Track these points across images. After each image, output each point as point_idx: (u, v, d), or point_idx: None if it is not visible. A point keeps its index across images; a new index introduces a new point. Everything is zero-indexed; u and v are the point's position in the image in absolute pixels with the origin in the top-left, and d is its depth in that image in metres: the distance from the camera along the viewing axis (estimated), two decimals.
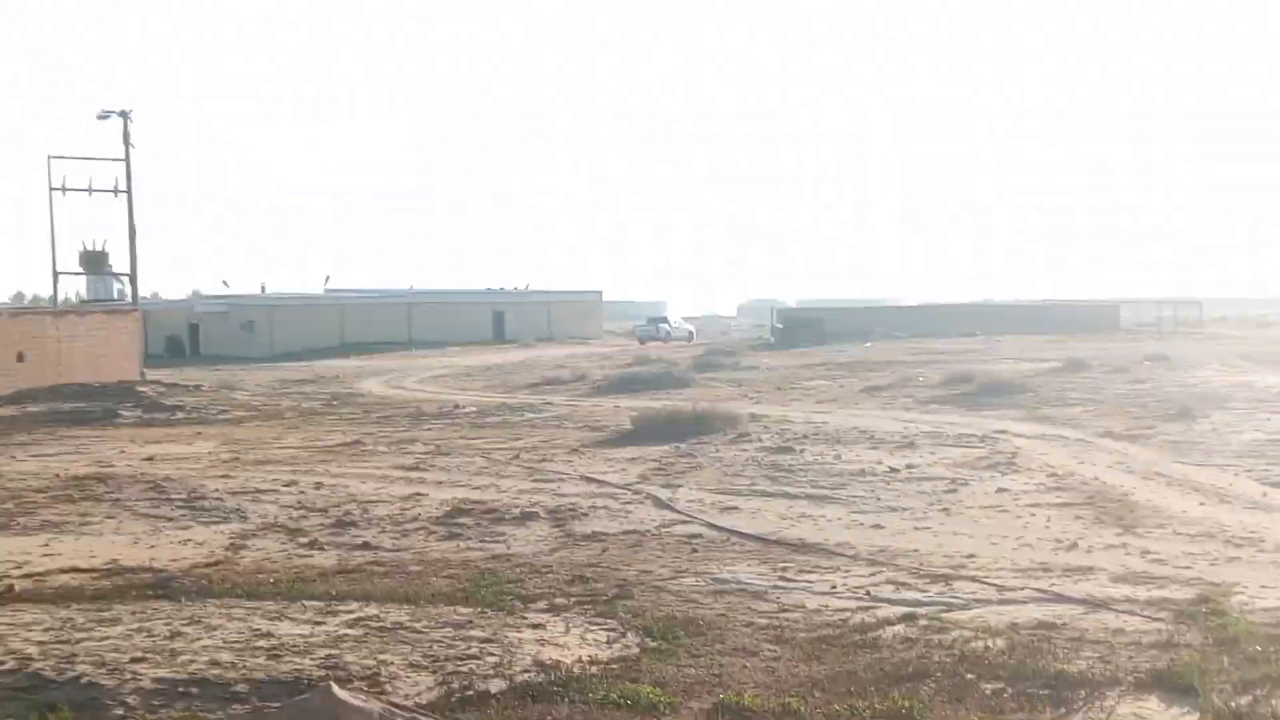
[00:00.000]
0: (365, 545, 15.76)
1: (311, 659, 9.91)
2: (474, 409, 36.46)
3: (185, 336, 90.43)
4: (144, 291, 66.41)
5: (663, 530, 16.40)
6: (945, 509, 17.60)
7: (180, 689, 9.18)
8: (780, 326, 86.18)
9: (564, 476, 21.60)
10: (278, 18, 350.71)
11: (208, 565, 14.54)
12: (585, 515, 17.60)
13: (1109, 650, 10.17)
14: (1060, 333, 79.58)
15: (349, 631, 10.87)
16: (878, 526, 16.37)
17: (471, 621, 11.29)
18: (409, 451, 25.98)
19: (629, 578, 13.40)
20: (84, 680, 9.35)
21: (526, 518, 17.45)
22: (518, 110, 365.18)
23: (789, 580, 13.24)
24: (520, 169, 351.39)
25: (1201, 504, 17.51)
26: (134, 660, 9.84)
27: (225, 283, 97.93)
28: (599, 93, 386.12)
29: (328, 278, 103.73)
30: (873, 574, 13.44)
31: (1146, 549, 14.51)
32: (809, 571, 13.65)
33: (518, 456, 24.57)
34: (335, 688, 8.45)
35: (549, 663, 9.96)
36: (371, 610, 11.73)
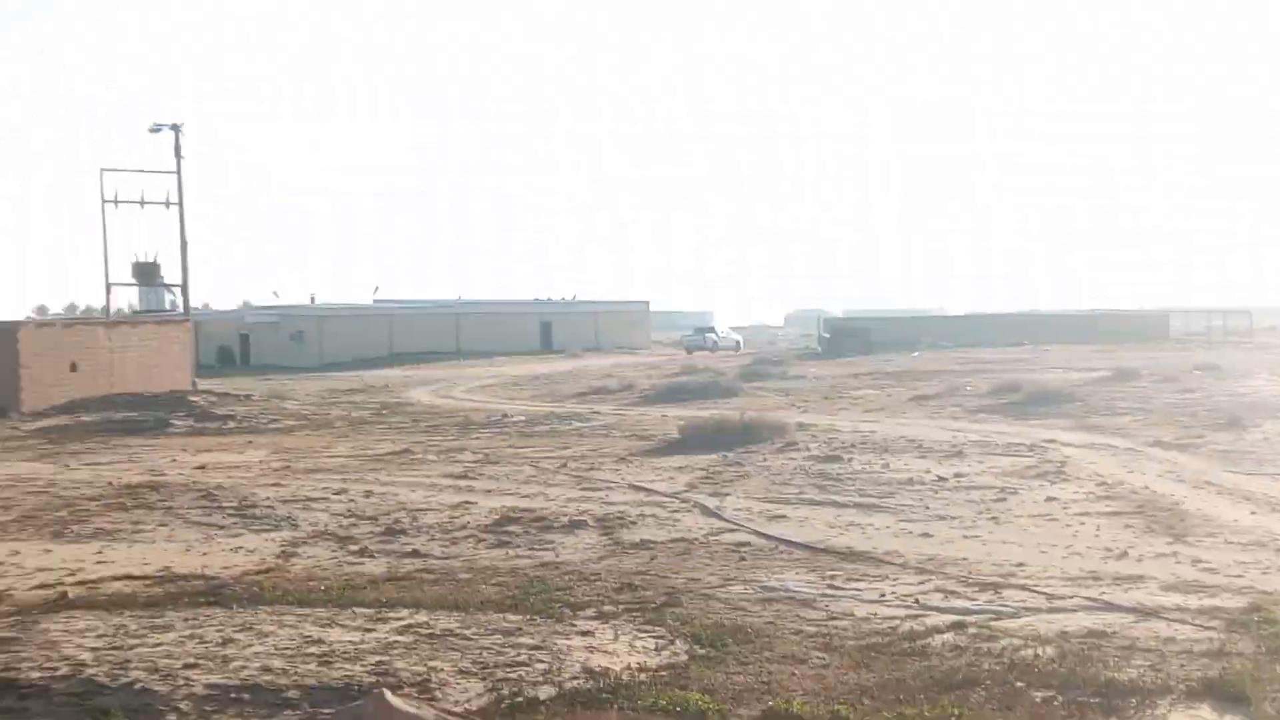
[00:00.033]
0: (415, 553, 15.83)
1: (362, 665, 9.97)
2: (522, 418, 36.54)
3: (236, 347, 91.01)
4: (195, 302, 66.93)
5: (711, 538, 16.40)
6: (994, 518, 17.54)
7: (232, 695, 9.25)
8: (827, 336, 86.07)
9: (612, 485, 21.63)
10: (277, 17, 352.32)
11: (259, 572, 14.64)
12: (633, 523, 17.63)
13: (1160, 659, 10.13)
14: (1108, 342, 79.00)
15: (399, 638, 10.93)
16: (926, 535, 16.33)
17: (521, 629, 11.33)
18: (458, 460, 26.06)
19: (677, 585, 13.41)
20: (137, 686, 9.43)
21: (575, 526, 17.49)
22: (518, 110, 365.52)
23: (837, 588, 13.23)
24: (520, 169, 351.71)
25: (1253, 513, 17.38)
26: (186, 666, 9.92)
27: (276, 293, 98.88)
28: (599, 93, 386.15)
29: (376, 288, 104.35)
30: (921, 582, 13.41)
31: (1197, 558, 14.42)
32: (857, 580, 13.63)
33: (566, 465, 24.62)
34: (388, 694, 8.50)
35: (598, 670, 9.99)
36: (421, 617, 11.79)
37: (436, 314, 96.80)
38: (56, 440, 33.02)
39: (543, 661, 10.18)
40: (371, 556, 15.66)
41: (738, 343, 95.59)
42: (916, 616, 11.83)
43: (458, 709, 8.87)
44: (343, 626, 11.40)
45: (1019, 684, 9.42)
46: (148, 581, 14.18)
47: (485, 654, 10.38)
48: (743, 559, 15.00)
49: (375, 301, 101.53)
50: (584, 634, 11.18)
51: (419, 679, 9.59)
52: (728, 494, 20.15)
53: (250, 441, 31.86)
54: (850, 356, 70.00)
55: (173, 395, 43.99)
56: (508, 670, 9.92)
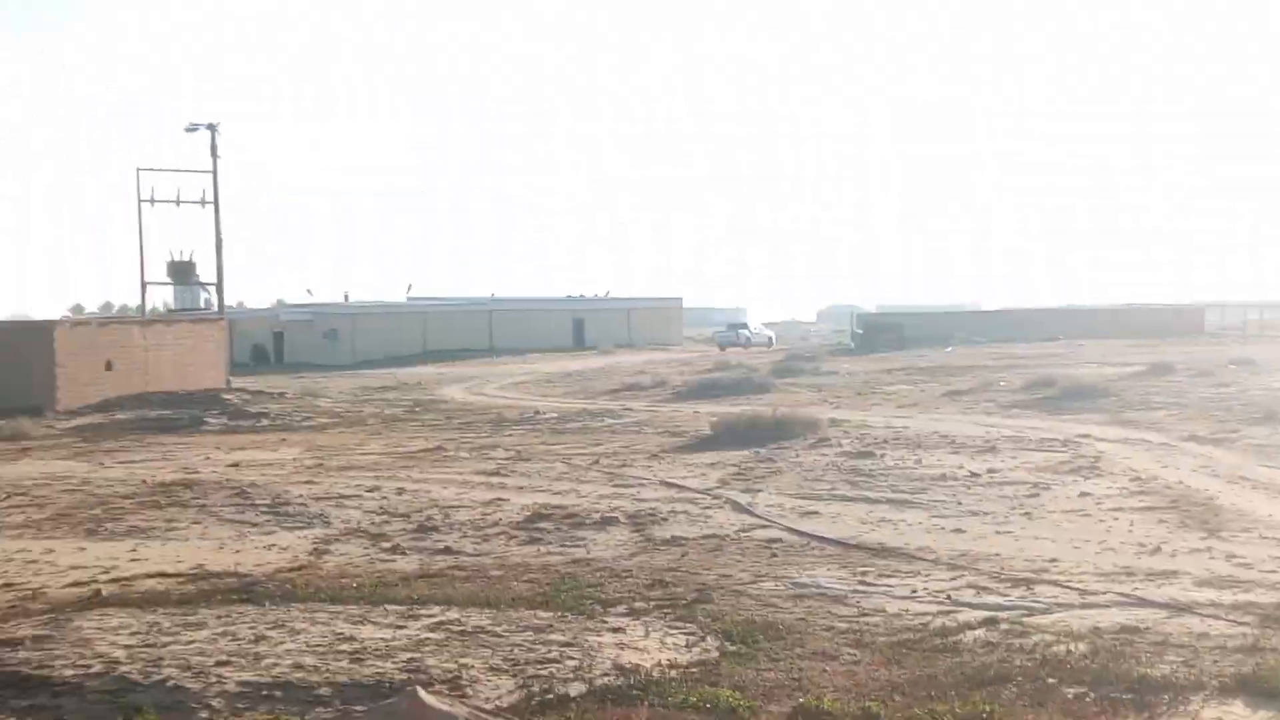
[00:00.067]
0: (447, 550, 15.86)
1: (394, 662, 9.99)
2: (554, 415, 36.58)
3: (270, 345, 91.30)
4: (230, 300, 67.27)
5: (742, 535, 16.39)
6: (1027, 513, 17.47)
7: (264, 692, 9.28)
8: (860, 332, 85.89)
9: (644, 481, 21.63)
10: (278, 17, 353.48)
11: (291, 570, 14.69)
12: (665, 520, 17.62)
13: (1193, 654, 10.07)
14: (1143, 337, 78.64)
15: (430, 635, 10.95)
16: (959, 531, 16.28)
17: (552, 625, 11.34)
18: (490, 457, 26.10)
19: (708, 582, 13.40)
20: (170, 683, 9.47)
21: (606, 522, 17.50)
22: (518, 110, 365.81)
23: (869, 584, 13.20)
24: (520, 169, 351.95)
25: None
26: (219, 664, 9.95)
27: (310, 291, 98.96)
28: (599, 93, 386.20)
29: (410, 286, 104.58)
30: (953, 578, 13.37)
31: (1231, 553, 14.34)
32: (889, 576, 13.60)
33: (598, 462, 24.63)
34: (421, 692, 8.52)
35: (628, 666, 9.98)
36: (453, 614, 11.81)
37: (469, 311, 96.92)
38: (91, 438, 33.20)
39: (574, 658, 10.18)
40: (403, 554, 15.70)
41: (770, 339, 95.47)
42: (948, 612, 11.79)
43: (489, 706, 8.87)
44: (374, 624, 11.42)
45: (1051, 680, 9.38)
46: (181, 579, 14.24)
47: (516, 651, 10.39)
48: (774, 555, 14.98)
49: (409, 299, 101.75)
50: (615, 631, 11.18)
51: (450, 676, 9.61)
52: (759, 490, 20.13)
53: (283, 439, 31.97)
54: (883, 352, 69.81)
55: (207, 393, 44.19)
56: (538, 667, 9.93)
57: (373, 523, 18.06)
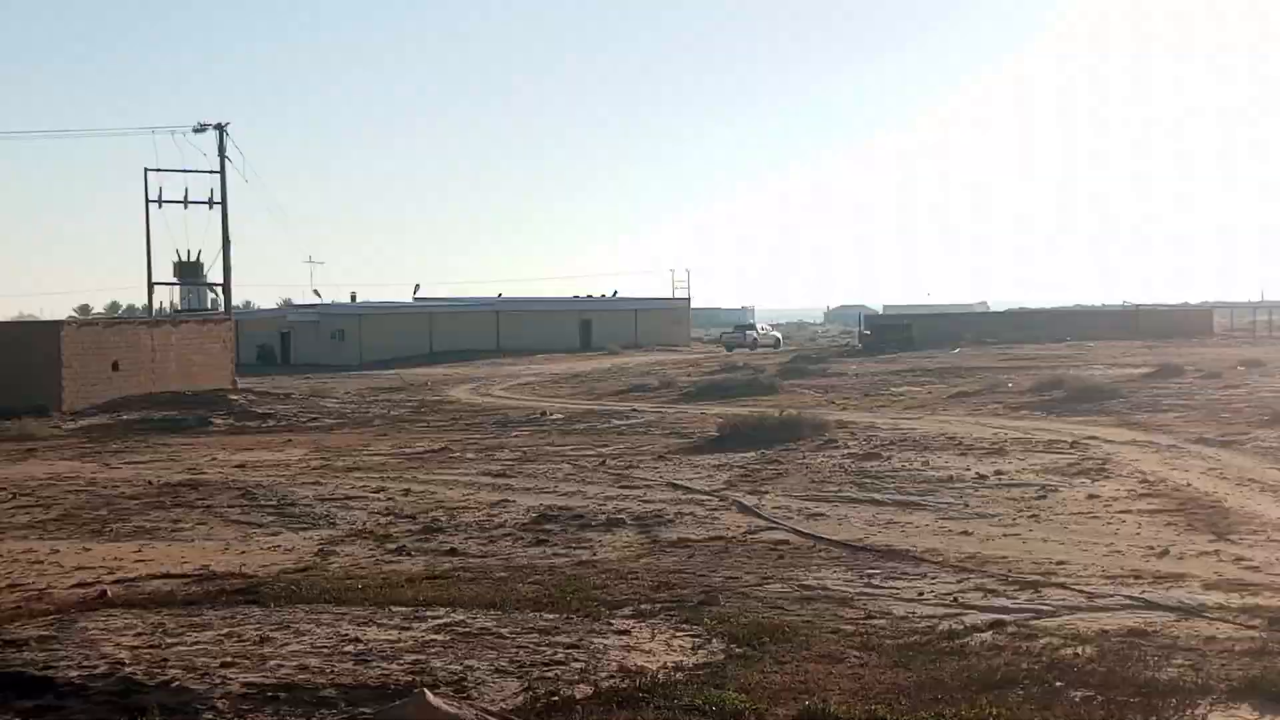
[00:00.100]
0: (452, 551, 15.85)
1: (399, 664, 9.97)
2: (561, 416, 36.56)
3: (277, 345, 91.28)
4: (236, 300, 67.30)
5: (749, 537, 16.36)
6: (1034, 515, 17.43)
7: (269, 693, 9.26)
8: (868, 332, 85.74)
9: (650, 483, 21.61)
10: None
11: (297, 571, 14.69)
12: (671, 522, 17.60)
13: (1201, 658, 10.03)
14: (1152, 338, 78.52)
15: (436, 637, 10.93)
16: (966, 533, 16.24)
17: (557, 627, 11.31)
18: (496, 458, 26.09)
19: (715, 584, 13.37)
20: (174, 684, 9.45)
21: (612, 524, 17.48)
22: (518, 111, 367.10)
23: (876, 587, 13.16)
24: (522, 169, 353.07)
25: None
26: (224, 665, 9.94)
27: (317, 292, 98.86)
28: (605, 87, 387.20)
29: (417, 287, 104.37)
30: (960, 581, 13.34)
31: (1240, 556, 14.29)
32: (896, 578, 13.56)
33: (604, 463, 24.61)
34: (429, 694, 8.50)
35: (634, 669, 9.95)
36: (458, 616, 11.79)
37: (476, 312, 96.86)
38: (97, 439, 33.23)
39: (579, 660, 10.15)
40: (409, 555, 15.69)
41: (777, 340, 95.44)
42: (955, 615, 11.76)
43: (494, 708, 8.85)
44: (380, 625, 11.41)
45: (1058, 684, 9.34)
46: (186, 580, 14.25)
47: (522, 653, 10.36)
48: (781, 557, 14.94)
49: (415, 300, 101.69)
50: (621, 633, 11.16)
51: (455, 678, 9.58)
52: (766, 492, 20.11)
53: (290, 440, 31.98)
54: (891, 353, 69.66)
55: (213, 394, 44.22)
56: (544, 669, 9.90)
57: (378, 524, 18.06)
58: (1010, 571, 13.72)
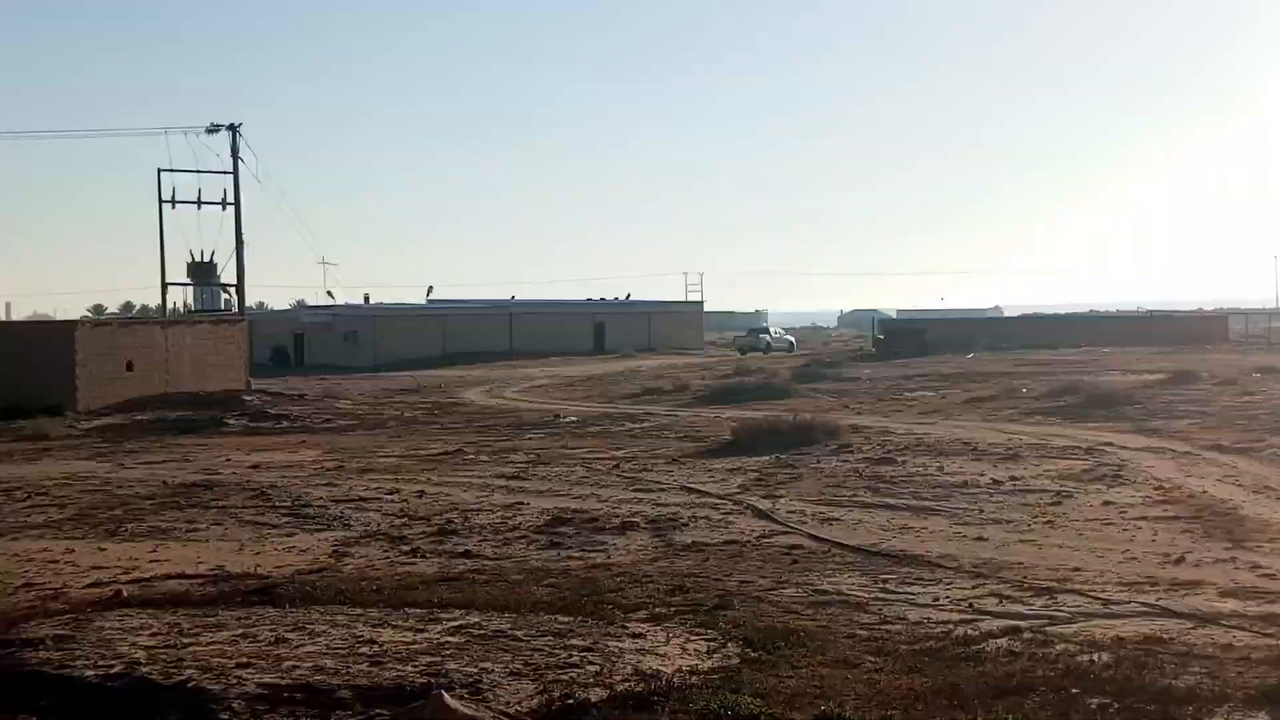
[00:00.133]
0: (467, 553, 15.84)
1: (414, 666, 9.97)
2: (574, 419, 36.58)
3: (290, 346, 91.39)
4: (250, 301, 67.43)
5: (763, 541, 16.34)
6: (1049, 521, 17.38)
7: (284, 694, 9.26)
8: (882, 337, 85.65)
9: (664, 486, 21.59)
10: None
11: (312, 572, 14.70)
12: (685, 525, 17.59)
13: (1217, 666, 9.99)
14: (1167, 344, 78.33)
15: (450, 639, 10.93)
16: (981, 539, 16.20)
17: (572, 630, 11.30)
18: (510, 461, 26.09)
19: (729, 588, 13.36)
20: (190, 685, 9.46)
21: (627, 527, 17.47)
22: (533, 113, 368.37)
23: (891, 592, 13.14)
24: (537, 171, 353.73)
25: None
26: (239, 665, 9.94)
27: (330, 293, 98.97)
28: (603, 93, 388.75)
29: (430, 289, 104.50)
30: (976, 586, 13.30)
31: (1256, 563, 14.24)
32: (911, 583, 13.54)
33: (618, 466, 24.60)
34: (446, 697, 8.50)
35: (649, 672, 9.94)
36: (473, 618, 11.78)
37: (490, 314, 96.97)
38: (112, 439, 33.29)
39: (594, 663, 10.14)
40: (424, 557, 15.69)
41: (791, 344, 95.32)
42: (970, 621, 11.73)
43: (510, 711, 8.85)
44: (395, 627, 11.41)
45: (1074, 691, 9.31)
46: (201, 580, 14.26)
47: (536, 655, 10.35)
48: (795, 562, 14.92)
49: (429, 302, 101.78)
50: (635, 636, 11.14)
51: (470, 680, 9.58)
52: (780, 496, 20.07)
53: (304, 441, 32.02)
54: (905, 358, 69.56)
55: (227, 395, 44.33)
56: (559, 672, 9.89)
57: (393, 525, 18.06)
58: (1025, 578, 13.68)
